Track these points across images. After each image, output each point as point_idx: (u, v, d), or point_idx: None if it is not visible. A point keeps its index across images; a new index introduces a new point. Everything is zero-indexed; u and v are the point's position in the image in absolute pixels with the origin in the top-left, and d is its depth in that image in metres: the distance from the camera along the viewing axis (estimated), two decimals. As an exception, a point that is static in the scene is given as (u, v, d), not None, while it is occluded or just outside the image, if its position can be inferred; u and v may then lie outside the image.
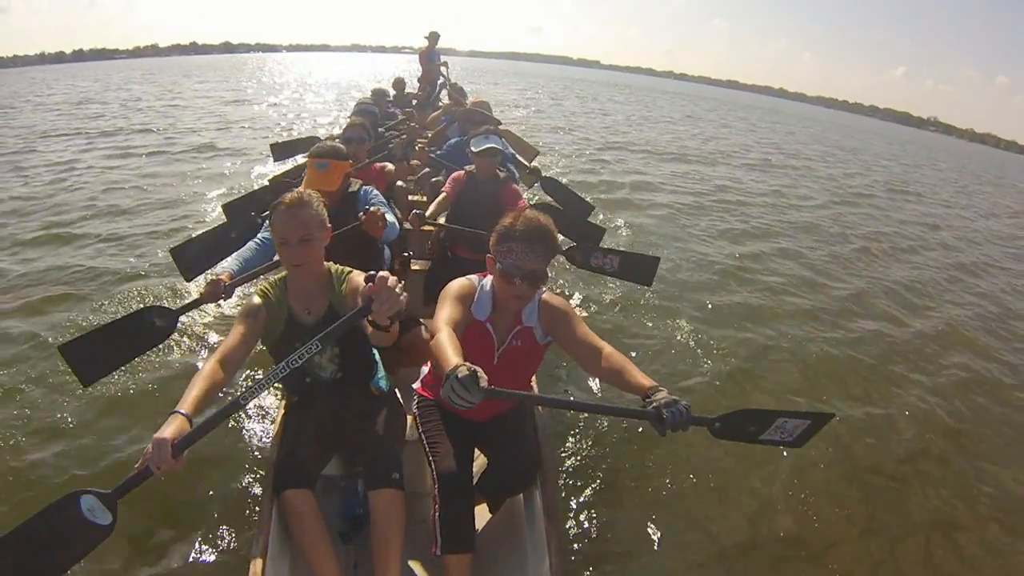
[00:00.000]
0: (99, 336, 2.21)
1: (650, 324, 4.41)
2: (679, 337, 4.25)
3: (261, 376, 1.57)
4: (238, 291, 2.50)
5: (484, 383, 1.32)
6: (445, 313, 1.68)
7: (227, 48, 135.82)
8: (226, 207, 3.63)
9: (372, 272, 1.40)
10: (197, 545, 2.15)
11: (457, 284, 1.81)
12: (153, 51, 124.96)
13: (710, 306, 4.91)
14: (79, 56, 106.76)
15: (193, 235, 3.11)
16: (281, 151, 6.08)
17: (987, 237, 10.10)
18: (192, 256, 2.87)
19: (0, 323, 3.72)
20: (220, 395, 1.72)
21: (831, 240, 7.88)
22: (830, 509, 2.73)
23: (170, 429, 1.40)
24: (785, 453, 2.92)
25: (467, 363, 1.35)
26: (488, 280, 1.84)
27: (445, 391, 1.32)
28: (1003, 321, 5.74)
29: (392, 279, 1.39)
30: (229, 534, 2.19)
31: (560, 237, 3.18)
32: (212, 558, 2.11)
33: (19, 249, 5.19)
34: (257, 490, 2.34)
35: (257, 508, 1.79)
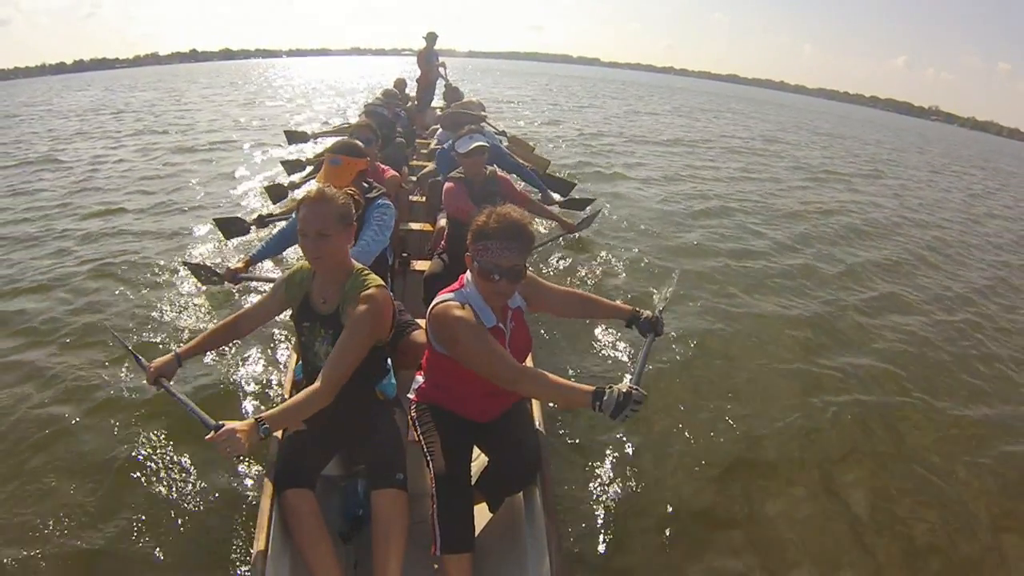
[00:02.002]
0: (198, 266, 3.78)
1: (605, 264, 5.35)
2: (626, 268, 5.28)
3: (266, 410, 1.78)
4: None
5: (642, 391, 1.54)
6: (497, 348, 1.68)
7: (227, 55, 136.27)
8: (268, 189, 5.76)
9: (221, 423, 1.53)
10: (197, 544, 2.18)
11: (464, 313, 1.72)
12: (154, 59, 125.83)
13: (653, 254, 5.81)
14: (80, 66, 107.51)
15: (232, 210, 5.24)
16: (293, 137, 8.07)
17: (936, 205, 10.86)
18: (230, 227, 4.60)
19: (80, 267, 4.91)
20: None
21: (779, 205, 8.78)
22: (837, 500, 2.74)
23: (159, 361, 1.89)
24: (781, 441, 3.09)
25: (611, 386, 1.54)
26: (469, 287, 1.81)
27: (622, 417, 1.51)
28: (914, 264, 6.65)
29: (229, 434, 1.49)
30: (229, 533, 2.21)
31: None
32: (213, 557, 2.13)
33: (81, 221, 6.30)
34: (257, 490, 2.32)
35: (257, 508, 1.78)
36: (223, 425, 1.52)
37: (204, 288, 4.00)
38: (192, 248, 5.20)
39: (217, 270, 3.55)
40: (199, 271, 3.76)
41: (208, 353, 2.83)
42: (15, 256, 5.23)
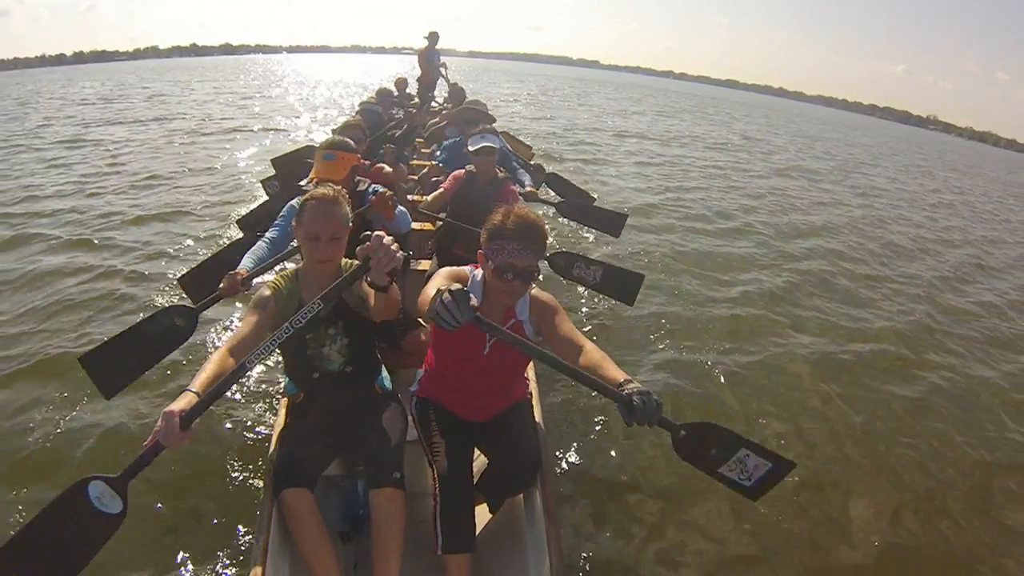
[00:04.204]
0: (120, 343, 2.18)
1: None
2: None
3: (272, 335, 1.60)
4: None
5: (474, 303, 1.35)
6: (435, 283, 1.65)
7: (227, 50, 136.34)
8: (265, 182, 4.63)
9: (367, 232, 1.43)
10: (197, 545, 2.16)
11: (448, 269, 1.80)
12: (154, 53, 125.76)
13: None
14: (80, 58, 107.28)
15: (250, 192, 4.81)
16: (282, 164, 5.93)
17: (881, 195, 12.05)
18: (198, 282, 2.86)
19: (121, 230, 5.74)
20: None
21: (737, 188, 10.27)
22: (833, 504, 2.77)
23: (179, 403, 1.40)
24: (783, 442, 3.14)
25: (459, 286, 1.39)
26: (479, 272, 1.83)
27: (431, 310, 1.36)
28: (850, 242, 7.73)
29: (388, 237, 1.44)
30: (229, 534, 2.20)
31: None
32: (212, 558, 2.12)
33: (126, 190, 7.33)
34: (258, 490, 2.31)
35: (257, 508, 1.78)
36: (370, 234, 1.45)
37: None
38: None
39: (191, 306, 2.53)
40: (197, 287, 2.74)
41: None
42: (80, 204, 6.50)
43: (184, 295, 2.88)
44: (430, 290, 1.59)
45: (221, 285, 2.35)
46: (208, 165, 8.72)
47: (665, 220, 7.43)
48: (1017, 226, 11.44)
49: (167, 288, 4.26)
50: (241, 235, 3.62)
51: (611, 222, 4.45)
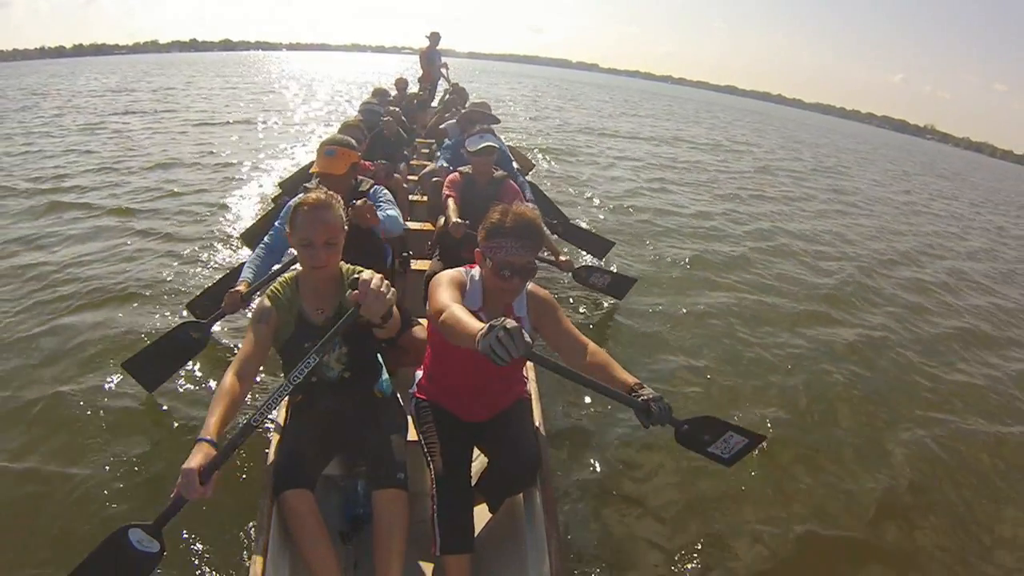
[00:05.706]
0: (152, 351, 2.87)
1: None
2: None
3: (272, 390, 1.62)
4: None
5: (528, 340, 1.33)
6: (447, 295, 1.65)
7: (227, 46, 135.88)
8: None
9: (355, 277, 1.43)
10: (197, 546, 2.15)
11: (448, 274, 1.79)
12: (154, 47, 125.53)
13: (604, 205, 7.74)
14: (79, 51, 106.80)
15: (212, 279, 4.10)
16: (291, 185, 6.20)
17: (864, 196, 12.61)
18: (205, 304, 3.26)
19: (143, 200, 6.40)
20: (243, 408, 1.91)
21: (717, 184, 10.91)
22: (830, 503, 2.79)
23: (196, 459, 1.46)
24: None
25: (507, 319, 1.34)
26: (476, 271, 1.84)
27: (487, 343, 1.30)
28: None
29: (376, 279, 1.42)
30: (229, 534, 2.19)
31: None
32: (212, 558, 2.11)
33: (152, 169, 8.00)
34: (257, 490, 2.28)
35: (258, 508, 1.79)
36: (359, 279, 1.46)
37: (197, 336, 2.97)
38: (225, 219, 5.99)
39: (201, 321, 2.98)
40: (204, 309, 3.11)
41: (185, 392, 2.91)
42: (110, 181, 7.17)
43: (193, 317, 3.30)
44: (440, 298, 1.62)
45: (223, 303, 2.67)
46: (225, 150, 9.39)
47: (643, 204, 8.21)
48: (986, 225, 11.98)
49: (203, 248, 4.92)
50: (245, 251, 4.25)
51: (599, 246, 5.00)
